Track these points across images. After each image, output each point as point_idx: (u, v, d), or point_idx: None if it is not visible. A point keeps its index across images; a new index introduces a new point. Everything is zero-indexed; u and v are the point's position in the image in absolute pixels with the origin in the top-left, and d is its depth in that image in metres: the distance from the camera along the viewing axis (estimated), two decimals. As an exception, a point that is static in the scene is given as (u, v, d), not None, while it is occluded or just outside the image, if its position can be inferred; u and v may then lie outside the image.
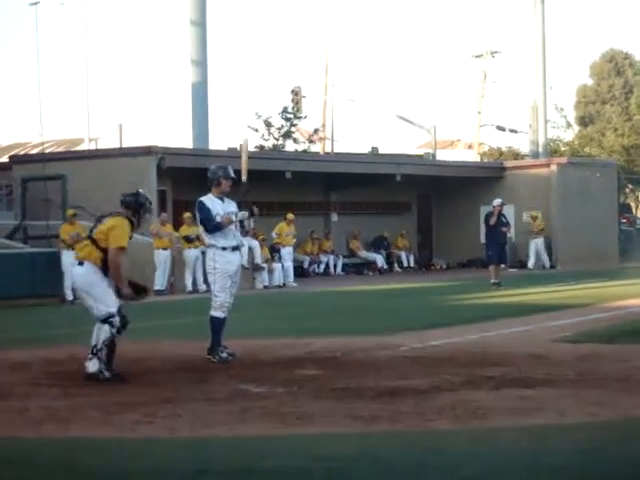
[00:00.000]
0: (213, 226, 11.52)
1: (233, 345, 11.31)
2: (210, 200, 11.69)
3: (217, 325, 11.31)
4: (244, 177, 11.84)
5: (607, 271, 31.40)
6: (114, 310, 10.07)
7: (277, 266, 28.21)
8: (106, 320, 10.03)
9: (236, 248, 11.58)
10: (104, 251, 10.17)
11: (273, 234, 29.55)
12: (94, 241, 10.27)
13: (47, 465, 6.58)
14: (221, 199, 11.65)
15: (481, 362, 11.01)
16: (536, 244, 35.67)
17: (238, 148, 40.67)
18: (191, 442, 7.36)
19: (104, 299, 10.09)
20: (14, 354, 12.26)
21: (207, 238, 11.71)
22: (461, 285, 27.21)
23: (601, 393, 8.95)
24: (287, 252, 29.46)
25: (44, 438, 7.57)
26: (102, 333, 10.04)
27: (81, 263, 10.26)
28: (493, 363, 10.90)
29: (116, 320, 10.07)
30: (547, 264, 35.44)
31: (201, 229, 11.87)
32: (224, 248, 11.45)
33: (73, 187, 26.78)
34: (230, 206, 11.65)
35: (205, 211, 11.59)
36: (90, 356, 10.06)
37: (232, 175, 11.74)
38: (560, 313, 17.22)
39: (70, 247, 23.31)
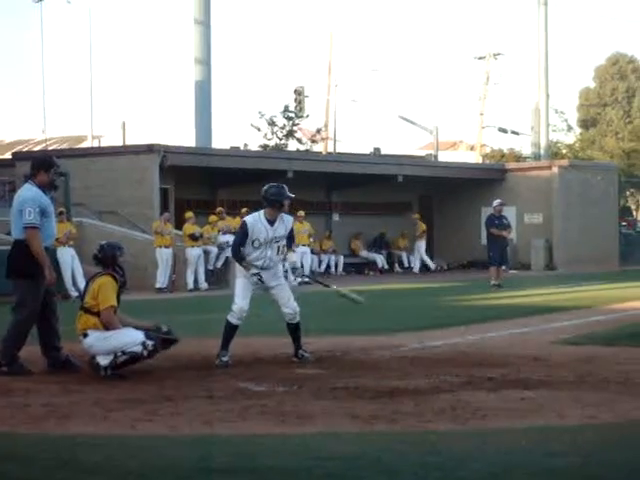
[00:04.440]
0: (236, 255, 11.34)
1: (233, 343, 11.32)
2: (255, 222, 11.23)
3: (225, 329, 11.24)
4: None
5: (607, 274, 31.44)
6: (143, 339, 10.17)
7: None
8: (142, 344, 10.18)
9: (263, 267, 11.25)
10: (99, 314, 10.25)
11: None
12: (87, 310, 10.31)
13: (47, 462, 6.59)
14: (271, 222, 11.20)
15: (481, 363, 11.02)
16: (419, 247, 35.67)
17: (242, 147, 40.97)
18: (191, 440, 7.37)
19: (126, 339, 10.16)
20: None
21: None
22: (461, 286, 27.23)
23: (600, 395, 8.96)
24: (300, 251, 29.24)
25: (44, 435, 7.57)
26: (134, 346, 10.12)
27: (85, 335, 10.29)
28: (493, 364, 10.92)
29: (149, 344, 10.17)
30: (432, 266, 35.66)
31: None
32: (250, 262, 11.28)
33: (76, 184, 26.80)
34: (279, 230, 11.23)
35: (242, 234, 11.27)
36: (111, 356, 10.13)
37: (290, 195, 11.37)
38: (560, 315, 17.24)
39: (64, 244, 23.41)
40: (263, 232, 11.19)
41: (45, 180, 10.81)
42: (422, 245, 35.74)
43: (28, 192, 10.69)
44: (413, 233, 35.85)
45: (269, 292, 11.42)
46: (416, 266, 35.65)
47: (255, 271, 11.13)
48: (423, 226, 35.72)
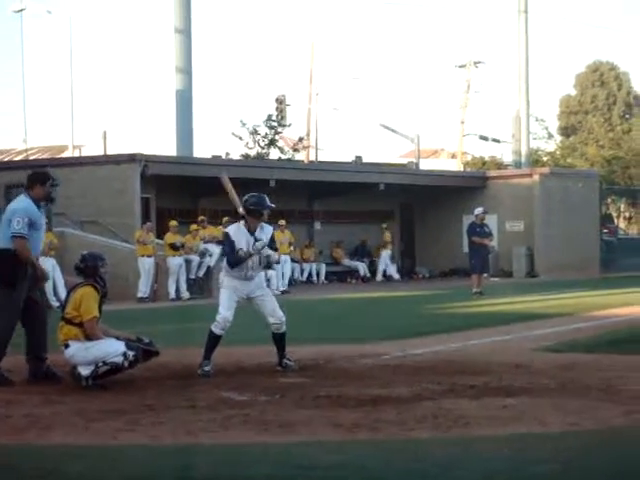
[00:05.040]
0: (234, 261, 11.24)
1: (216, 353, 11.30)
2: (237, 232, 11.33)
3: (208, 339, 11.21)
4: (240, 210, 11.47)
5: (588, 281, 31.53)
6: (124, 350, 10.14)
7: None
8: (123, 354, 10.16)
9: (247, 277, 11.33)
10: (80, 325, 10.21)
11: None
12: (68, 321, 10.28)
13: (30, 472, 6.58)
14: (251, 232, 11.25)
15: (463, 371, 11.03)
16: (384, 256, 35.79)
17: (223, 156, 40.92)
18: (173, 449, 7.36)
19: (108, 350, 10.13)
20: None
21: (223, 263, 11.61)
22: (443, 294, 27.27)
23: (582, 402, 8.99)
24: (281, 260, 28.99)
25: (26, 445, 7.56)
26: (115, 357, 10.09)
27: (67, 345, 10.26)
28: (475, 372, 10.93)
29: (130, 354, 10.15)
30: (395, 275, 35.70)
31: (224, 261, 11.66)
32: (233, 275, 11.32)
33: (57, 194, 26.65)
34: (260, 237, 11.26)
35: (228, 244, 11.34)
36: (92, 366, 10.11)
37: (271, 205, 11.47)
38: (542, 322, 17.28)
39: (45, 254, 23.26)
40: (245, 241, 11.22)
41: (41, 193, 10.94)
42: (385, 255, 35.80)
43: (20, 203, 10.82)
44: (378, 242, 35.98)
45: (253, 302, 11.42)
46: (394, 274, 35.67)
47: (254, 244, 11.10)
48: (388, 236, 35.87)
